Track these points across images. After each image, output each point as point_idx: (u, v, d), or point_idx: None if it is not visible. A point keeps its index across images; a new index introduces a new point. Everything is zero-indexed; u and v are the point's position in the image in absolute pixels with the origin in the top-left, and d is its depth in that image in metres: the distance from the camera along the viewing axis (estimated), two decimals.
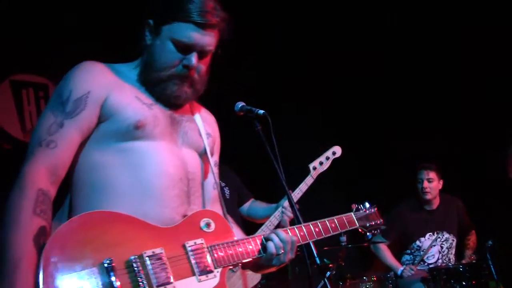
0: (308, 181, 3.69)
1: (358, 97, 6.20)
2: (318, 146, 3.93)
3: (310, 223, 2.11)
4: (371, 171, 6.11)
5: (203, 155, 2.07)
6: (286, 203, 3.54)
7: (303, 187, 3.66)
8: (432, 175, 4.98)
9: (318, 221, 2.14)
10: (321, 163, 3.78)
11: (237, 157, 4.58)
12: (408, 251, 5.04)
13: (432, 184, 4.98)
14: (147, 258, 1.68)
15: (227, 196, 3.76)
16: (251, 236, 1.95)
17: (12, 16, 4.42)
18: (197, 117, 2.11)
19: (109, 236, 1.66)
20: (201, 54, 1.93)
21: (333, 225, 2.20)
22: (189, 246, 1.78)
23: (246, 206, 3.95)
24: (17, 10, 4.43)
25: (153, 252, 1.69)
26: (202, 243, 1.82)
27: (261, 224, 3.66)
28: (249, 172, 4.01)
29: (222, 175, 3.75)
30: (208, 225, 1.87)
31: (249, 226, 3.80)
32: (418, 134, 5.86)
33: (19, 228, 1.59)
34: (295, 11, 5.41)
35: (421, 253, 4.92)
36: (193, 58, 1.90)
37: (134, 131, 1.83)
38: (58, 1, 4.48)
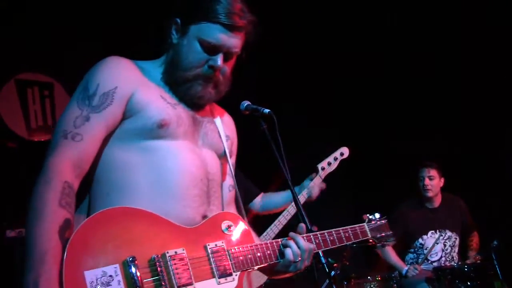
0: (317, 181, 3.69)
1: (361, 97, 6.21)
2: (322, 146, 3.93)
3: (325, 231, 2.13)
4: (374, 171, 6.10)
5: (222, 156, 2.09)
6: (311, 183, 3.61)
7: (311, 189, 3.66)
8: (433, 172, 5.00)
9: (332, 230, 2.17)
10: (329, 164, 3.79)
11: (243, 156, 4.59)
12: (412, 250, 5.05)
13: (433, 182, 4.99)
14: (169, 258, 1.68)
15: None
16: (269, 241, 1.96)
17: (17, 15, 4.43)
18: (217, 119, 2.13)
19: (132, 233, 1.67)
20: (227, 56, 1.94)
21: (346, 235, 2.22)
22: (210, 248, 1.80)
23: (258, 200, 3.91)
24: (22, 9, 4.44)
25: (175, 252, 1.71)
26: (222, 246, 1.83)
27: (274, 216, 3.66)
28: (254, 171, 4.00)
29: None
30: (229, 227, 1.89)
31: (262, 217, 3.81)
32: (420, 134, 5.87)
33: (44, 220, 1.58)
34: (301, 11, 5.39)
35: (425, 251, 4.93)
36: (219, 59, 1.91)
37: (158, 130, 1.83)
38: (62, 2, 4.48)
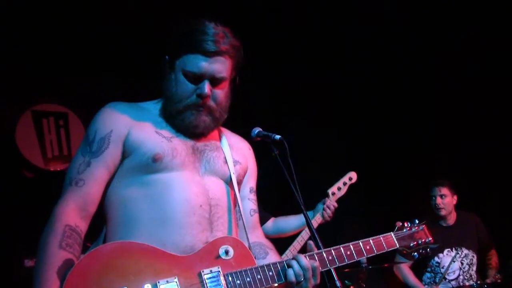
0: (329, 204, 3.76)
1: (372, 115, 6.20)
2: (332, 171, 3.98)
3: (341, 246, 2.01)
4: (388, 191, 6.07)
5: (229, 182, 2.10)
6: (327, 203, 3.71)
7: (324, 213, 3.74)
8: (445, 191, 4.97)
9: (350, 243, 2.04)
10: (339, 189, 3.89)
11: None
12: (429, 269, 4.99)
13: (445, 200, 4.96)
14: None
15: None
16: (273, 262, 1.91)
17: (33, 48, 4.55)
18: (225, 144, 2.16)
19: (125, 266, 1.71)
20: (214, 82, 1.99)
21: (368, 247, 2.07)
22: (205, 275, 1.78)
23: (269, 225, 3.97)
24: (36, 42, 4.55)
25: (167, 281, 1.72)
26: (218, 271, 1.81)
27: (288, 242, 3.68)
28: (265, 196, 4.04)
29: None
30: (226, 252, 1.86)
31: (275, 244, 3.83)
32: (436, 151, 5.83)
33: (45, 261, 1.70)
34: (313, 31, 5.45)
35: (441, 269, 4.87)
36: (205, 87, 1.96)
37: (153, 164, 1.91)
38: (78, 32, 4.59)
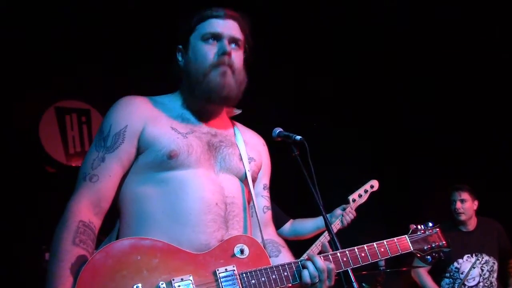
0: (349, 211, 3.79)
1: (395, 117, 6.15)
2: (353, 174, 3.98)
3: (355, 247, 2.00)
4: (409, 196, 6.03)
5: (244, 179, 2.09)
6: (347, 209, 3.74)
7: (343, 218, 3.76)
8: (465, 195, 4.90)
9: (365, 245, 2.03)
10: (360, 196, 3.91)
11: (273, 182, 4.63)
12: (447, 274, 4.93)
13: (465, 205, 4.89)
14: (175, 285, 1.69)
15: None
16: (287, 262, 1.90)
17: (56, 45, 4.62)
18: (240, 141, 2.14)
19: (139, 263, 1.71)
20: (231, 42, 2.03)
21: (382, 250, 2.06)
22: (220, 273, 1.78)
23: (287, 226, 3.97)
24: (61, 40, 4.62)
25: (181, 279, 1.71)
26: (233, 270, 1.80)
27: (306, 246, 3.68)
28: (285, 197, 4.05)
29: None
30: (242, 251, 1.85)
31: (293, 247, 3.84)
32: (460, 156, 5.77)
33: (58, 257, 1.70)
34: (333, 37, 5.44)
35: (461, 275, 4.81)
36: (225, 44, 2.00)
37: (168, 161, 1.89)
38: (101, 30, 4.65)
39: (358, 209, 3.87)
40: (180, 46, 2.09)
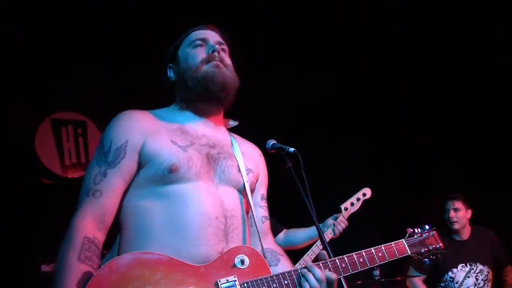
0: (340, 220, 3.78)
1: (387, 127, 6.19)
2: (348, 186, 3.99)
3: (353, 253, 2.02)
4: (402, 206, 6.05)
5: (243, 191, 2.11)
6: (339, 219, 3.72)
7: (335, 228, 3.75)
8: (458, 204, 4.93)
9: (362, 251, 2.04)
10: (352, 204, 3.89)
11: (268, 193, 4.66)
12: (442, 284, 4.95)
13: (459, 214, 4.92)
14: None
15: None
16: (287, 271, 1.91)
17: (52, 56, 4.64)
18: (238, 152, 2.17)
19: (142, 277, 1.73)
20: (217, 44, 2.16)
21: (380, 254, 2.07)
22: (222, 284, 1.80)
23: (281, 236, 4.00)
24: (57, 51, 4.64)
25: None
26: (234, 280, 1.82)
27: (298, 256, 3.70)
28: (279, 208, 4.08)
29: None
30: (242, 261, 1.87)
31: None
32: (452, 165, 5.80)
33: (64, 274, 1.71)
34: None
35: (455, 285, 4.82)
36: (213, 44, 2.14)
37: (169, 175, 1.91)
38: (98, 42, 4.68)
39: (353, 218, 3.87)
40: (171, 64, 2.20)
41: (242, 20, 4.55)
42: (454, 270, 4.89)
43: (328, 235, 3.69)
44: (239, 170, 2.10)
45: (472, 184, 5.42)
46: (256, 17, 4.83)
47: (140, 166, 1.95)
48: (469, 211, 4.99)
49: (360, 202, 3.93)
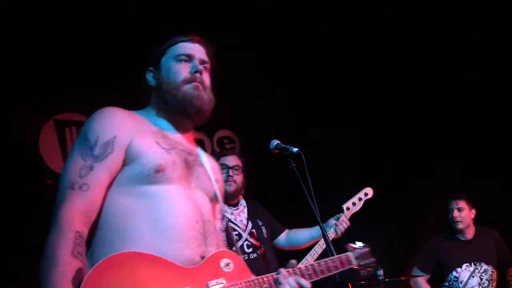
0: (343, 220, 3.77)
1: (391, 127, 6.19)
2: (350, 185, 3.98)
3: (314, 262, 2.20)
4: (406, 205, 6.05)
5: (212, 199, 2.17)
6: (341, 219, 3.73)
7: (337, 228, 3.74)
8: (462, 204, 4.94)
9: (320, 261, 2.23)
10: (354, 204, 3.90)
11: (270, 193, 4.67)
12: (446, 283, 4.95)
13: (462, 214, 4.92)
14: None
15: (265, 235, 3.83)
16: (266, 275, 2.02)
17: (55, 58, 4.65)
18: (206, 162, 2.22)
19: (137, 276, 1.73)
20: (201, 63, 2.18)
21: (334, 264, 2.27)
22: (212, 286, 1.87)
23: (283, 236, 4.01)
24: (60, 52, 4.66)
25: None
26: (223, 282, 1.90)
27: (301, 255, 3.69)
28: (280, 208, 4.08)
29: (259, 215, 3.85)
30: (227, 265, 1.96)
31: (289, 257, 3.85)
32: (456, 165, 5.80)
33: (59, 269, 1.66)
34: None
35: (460, 285, 4.82)
36: (196, 64, 2.15)
37: (155, 175, 1.92)
38: (102, 44, 4.70)
39: (354, 218, 3.86)
40: (151, 68, 2.21)
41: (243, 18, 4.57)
42: (459, 269, 4.88)
43: (330, 235, 3.69)
44: (210, 179, 2.16)
45: (475, 183, 5.41)
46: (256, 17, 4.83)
47: (125, 163, 1.93)
48: (473, 211, 4.98)
49: (362, 202, 3.93)
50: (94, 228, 1.87)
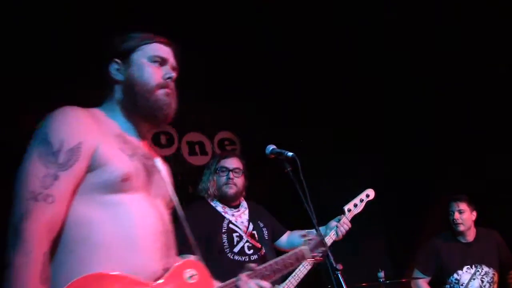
0: (343, 222, 3.73)
1: (391, 129, 6.19)
2: (350, 186, 3.95)
3: (272, 261, 2.25)
4: (410, 208, 6.04)
5: (168, 205, 2.09)
6: (342, 220, 3.68)
7: (338, 230, 3.70)
8: (463, 206, 4.93)
9: (278, 259, 2.30)
10: (355, 205, 3.84)
11: (270, 196, 4.67)
12: (447, 286, 4.94)
13: (463, 216, 4.91)
14: None
15: (266, 237, 3.82)
16: (229, 281, 2.05)
17: (50, 59, 4.65)
18: (161, 166, 2.11)
19: None
20: (173, 69, 2.09)
21: (290, 261, 2.33)
22: None
23: (284, 238, 3.99)
24: (57, 55, 4.66)
25: None
26: None
27: None
28: (281, 210, 4.08)
29: (260, 216, 3.84)
30: (192, 276, 1.90)
31: None
32: (457, 166, 5.79)
33: None
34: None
35: (461, 287, 4.81)
36: (170, 70, 2.06)
37: (121, 184, 1.80)
38: (97, 46, 4.69)
39: (357, 223, 3.83)
40: (118, 60, 2.05)
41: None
42: (459, 272, 4.87)
43: (332, 237, 3.66)
44: (165, 185, 2.08)
45: (475, 185, 5.41)
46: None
47: (88, 170, 1.78)
48: (474, 213, 4.98)
49: (364, 204, 3.88)
50: (56, 240, 1.70)
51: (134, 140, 2.00)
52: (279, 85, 5.59)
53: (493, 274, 4.88)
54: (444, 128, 5.90)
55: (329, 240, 3.62)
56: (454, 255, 4.94)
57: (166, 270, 1.84)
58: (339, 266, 2.19)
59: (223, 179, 3.76)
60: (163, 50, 2.07)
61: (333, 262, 2.18)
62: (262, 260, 3.62)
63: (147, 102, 1.99)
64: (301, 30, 5.16)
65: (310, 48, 5.39)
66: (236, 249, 3.60)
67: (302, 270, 3.58)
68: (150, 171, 1.96)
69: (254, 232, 3.76)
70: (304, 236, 2.57)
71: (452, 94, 5.73)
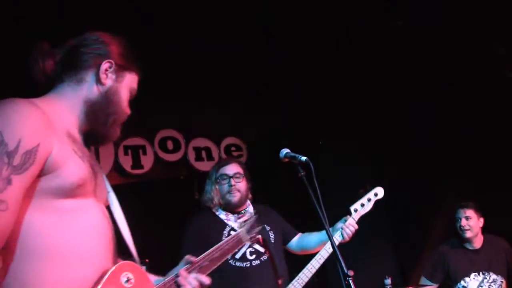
0: (350, 223, 3.59)
1: (400, 134, 6.18)
2: (359, 188, 3.86)
3: (210, 250, 2.28)
4: (417, 214, 6.03)
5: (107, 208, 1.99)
6: (348, 222, 3.54)
7: (343, 231, 3.56)
8: (470, 212, 4.91)
9: (215, 247, 2.32)
10: (362, 205, 3.67)
11: (283, 199, 4.66)
12: None
13: (470, 222, 4.89)
14: None
15: (272, 240, 3.77)
16: (168, 279, 2.06)
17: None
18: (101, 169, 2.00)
19: None
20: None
21: (227, 247, 2.38)
22: None
23: (295, 241, 3.91)
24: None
25: None
26: None
27: (307, 260, 3.65)
28: (288, 213, 4.06)
29: (267, 219, 3.80)
30: (128, 280, 1.81)
31: (295, 261, 3.83)
32: (465, 173, 5.78)
33: None
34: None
35: None
36: (131, 94, 2.00)
37: (75, 189, 1.67)
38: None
39: (363, 225, 3.68)
40: (113, 63, 1.90)
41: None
42: (467, 279, 4.85)
43: (337, 238, 3.51)
44: (106, 186, 1.98)
45: (483, 192, 5.39)
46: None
47: (41, 174, 1.60)
48: (481, 220, 4.96)
49: (372, 203, 3.69)
50: (8, 248, 1.56)
51: (79, 140, 1.84)
52: (286, 91, 5.61)
53: (502, 281, 4.86)
54: (451, 134, 5.90)
55: (335, 241, 3.51)
56: (461, 262, 4.92)
57: (102, 276, 1.70)
58: (350, 272, 2.11)
59: (225, 187, 3.69)
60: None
61: (344, 268, 2.12)
62: (266, 264, 3.60)
63: (109, 127, 1.91)
64: (306, 33, 5.17)
65: (316, 53, 5.41)
66: (238, 255, 3.56)
67: (306, 273, 3.50)
68: (95, 173, 1.80)
69: (259, 236, 3.73)
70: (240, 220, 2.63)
71: (460, 96, 5.72)
